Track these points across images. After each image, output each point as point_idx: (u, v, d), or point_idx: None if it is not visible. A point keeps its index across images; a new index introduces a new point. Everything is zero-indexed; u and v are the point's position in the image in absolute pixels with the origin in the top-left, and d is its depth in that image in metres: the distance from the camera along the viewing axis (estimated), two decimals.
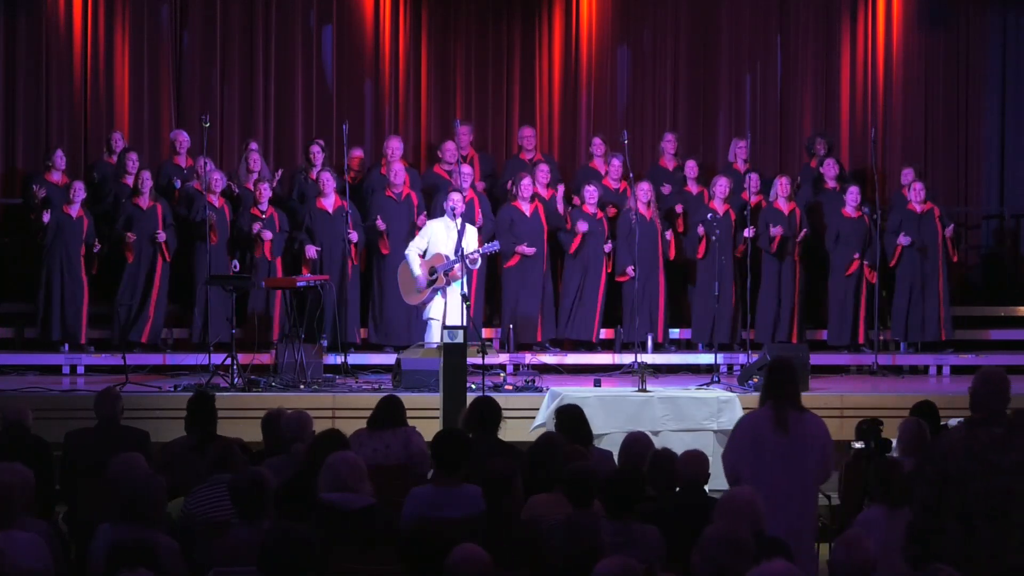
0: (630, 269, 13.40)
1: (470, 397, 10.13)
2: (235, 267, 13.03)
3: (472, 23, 15.38)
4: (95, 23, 14.65)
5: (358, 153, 14.29)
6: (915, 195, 13.88)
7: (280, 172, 13.96)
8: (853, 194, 13.75)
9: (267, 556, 5.32)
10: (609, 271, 13.66)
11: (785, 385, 7.05)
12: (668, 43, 15.54)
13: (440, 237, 12.44)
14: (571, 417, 8.15)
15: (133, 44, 14.69)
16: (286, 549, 5.30)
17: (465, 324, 11.04)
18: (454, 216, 12.40)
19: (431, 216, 13.19)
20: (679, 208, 13.94)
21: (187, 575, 6.04)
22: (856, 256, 13.65)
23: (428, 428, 9.49)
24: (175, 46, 14.81)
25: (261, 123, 14.95)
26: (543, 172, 13.77)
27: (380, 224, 13.29)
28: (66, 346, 13.12)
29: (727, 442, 7.35)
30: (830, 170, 14.24)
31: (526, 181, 13.49)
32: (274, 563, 5.29)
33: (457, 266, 12.18)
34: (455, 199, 12.49)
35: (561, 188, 13.97)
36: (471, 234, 12.45)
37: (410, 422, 8.63)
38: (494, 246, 12.59)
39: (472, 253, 12.27)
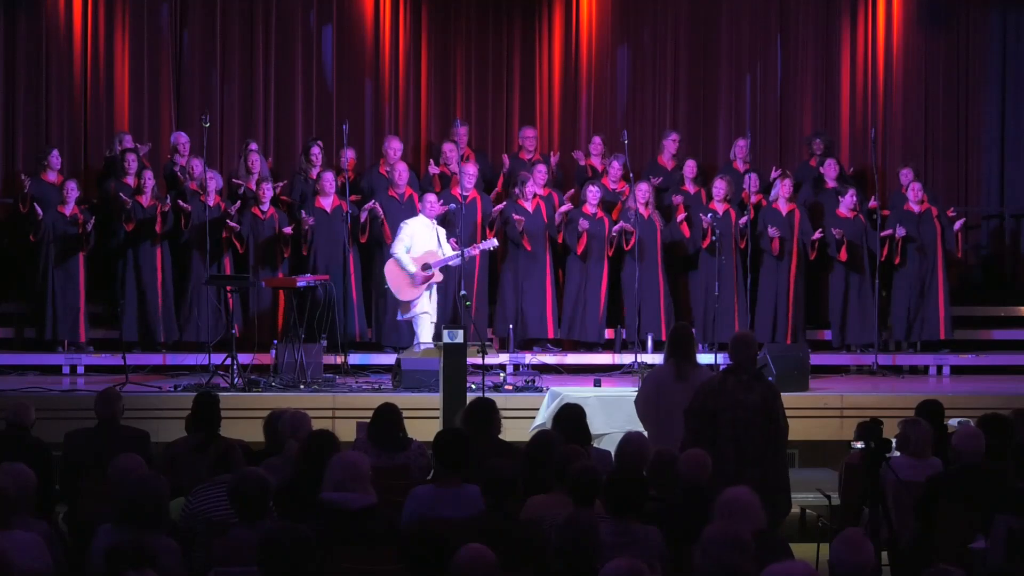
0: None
1: (470, 397, 10.14)
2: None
3: (472, 23, 15.38)
4: (95, 23, 14.65)
5: (351, 154, 14.26)
6: (913, 195, 13.88)
7: (282, 184, 13.90)
8: (850, 196, 13.74)
9: (267, 555, 5.32)
10: (611, 255, 13.65)
11: (684, 346, 8.71)
12: (668, 43, 15.54)
13: (423, 235, 12.71)
14: (571, 416, 8.15)
15: (133, 44, 14.69)
16: (286, 549, 5.30)
17: (465, 324, 11.06)
18: (431, 215, 12.76)
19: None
20: (676, 199, 13.91)
21: None
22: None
23: (428, 428, 9.50)
24: (175, 46, 14.80)
25: (261, 123, 14.95)
26: (540, 172, 13.79)
27: (379, 209, 13.30)
28: (66, 344, 13.14)
29: (638, 391, 9.03)
30: (831, 170, 14.22)
31: (531, 183, 13.55)
32: (274, 562, 5.29)
33: (451, 261, 12.51)
34: (430, 200, 12.87)
35: (562, 202, 13.93)
36: (441, 233, 12.82)
37: (410, 422, 8.58)
38: (492, 243, 12.74)
39: (471, 249, 12.58)
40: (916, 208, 13.84)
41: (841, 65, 15.56)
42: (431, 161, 14.24)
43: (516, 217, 13.40)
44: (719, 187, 13.70)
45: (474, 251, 12.74)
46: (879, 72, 15.51)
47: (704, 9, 15.55)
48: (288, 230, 13.19)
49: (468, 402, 9.60)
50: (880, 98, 15.51)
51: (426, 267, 12.55)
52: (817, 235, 13.58)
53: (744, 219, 13.48)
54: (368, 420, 8.46)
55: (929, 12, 15.55)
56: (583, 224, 13.46)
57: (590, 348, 13.80)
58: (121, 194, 13.02)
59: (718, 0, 15.53)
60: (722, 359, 13.00)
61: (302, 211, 13.25)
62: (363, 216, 13.30)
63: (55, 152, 13.59)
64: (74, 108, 14.62)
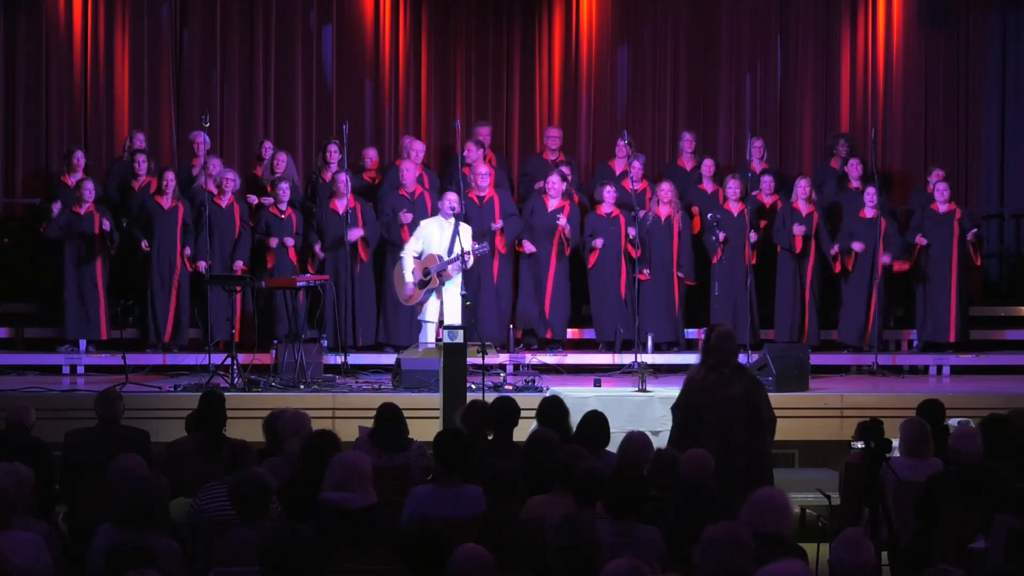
0: (646, 272, 13.41)
1: (470, 397, 10.14)
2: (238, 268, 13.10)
3: (472, 23, 15.38)
4: (95, 23, 14.65)
5: (373, 153, 14.23)
6: (940, 195, 13.83)
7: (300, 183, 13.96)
8: (870, 195, 13.68)
9: (269, 555, 5.32)
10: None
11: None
12: (668, 43, 15.53)
13: (434, 237, 12.53)
14: (594, 422, 8.11)
15: (133, 44, 14.69)
16: (287, 548, 5.30)
17: (465, 324, 11.05)
18: (448, 215, 12.47)
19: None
20: (694, 209, 13.88)
21: None
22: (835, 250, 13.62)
23: (428, 428, 9.50)
24: (175, 46, 14.80)
25: (261, 123, 14.95)
26: (564, 172, 13.78)
27: (404, 217, 13.23)
28: (67, 345, 13.14)
29: None
30: (854, 170, 14.15)
31: (554, 178, 13.51)
32: (276, 562, 5.30)
33: (451, 266, 12.30)
34: (451, 199, 12.54)
35: (582, 203, 13.92)
36: (466, 232, 12.50)
37: (410, 422, 8.58)
38: (484, 247, 12.61)
39: (464, 254, 12.36)
40: (942, 208, 13.80)
41: (841, 65, 15.55)
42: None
43: (528, 246, 13.40)
44: (732, 186, 13.70)
45: (468, 256, 12.42)
46: (879, 72, 15.51)
47: (704, 9, 15.55)
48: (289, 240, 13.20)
49: (469, 400, 9.60)
50: (880, 98, 15.50)
51: (425, 272, 12.48)
52: (834, 250, 13.58)
53: (753, 234, 13.41)
54: (368, 421, 8.47)
55: (929, 12, 15.54)
56: (598, 242, 13.43)
57: (590, 348, 13.78)
58: (143, 241, 13.02)
59: (718, 0, 15.53)
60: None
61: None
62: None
63: (79, 153, 13.50)
64: (74, 108, 14.62)
